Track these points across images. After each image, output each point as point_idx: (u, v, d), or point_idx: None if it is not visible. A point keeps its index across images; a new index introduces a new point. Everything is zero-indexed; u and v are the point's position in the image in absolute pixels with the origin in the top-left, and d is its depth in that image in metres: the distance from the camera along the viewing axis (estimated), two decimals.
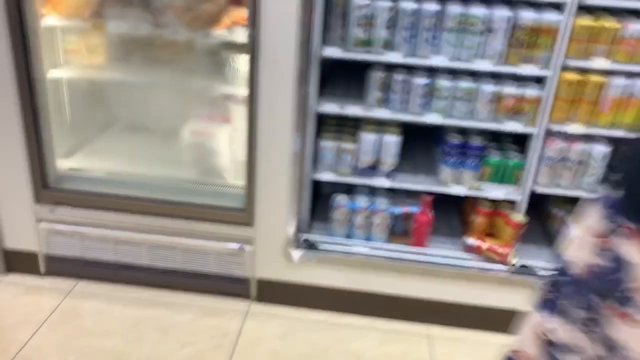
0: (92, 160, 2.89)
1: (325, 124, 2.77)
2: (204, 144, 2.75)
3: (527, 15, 2.34)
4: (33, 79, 2.56)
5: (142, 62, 2.68)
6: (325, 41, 2.48)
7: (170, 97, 2.77)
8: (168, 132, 2.83)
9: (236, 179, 2.79)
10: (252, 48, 2.36)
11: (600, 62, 2.38)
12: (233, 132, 2.79)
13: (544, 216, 2.99)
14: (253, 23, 2.32)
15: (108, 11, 2.53)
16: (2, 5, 2.36)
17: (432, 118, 2.56)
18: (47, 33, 2.65)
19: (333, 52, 2.49)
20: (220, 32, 2.46)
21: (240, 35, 2.47)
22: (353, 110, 2.60)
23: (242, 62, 2.58)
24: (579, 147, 2.54)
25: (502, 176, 2.64)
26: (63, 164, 2.84)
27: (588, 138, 2.55)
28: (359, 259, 2.69)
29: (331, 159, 2.70)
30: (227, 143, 2.78)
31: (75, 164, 2.87)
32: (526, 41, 2.38)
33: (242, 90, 2.61)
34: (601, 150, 2.53)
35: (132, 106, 2.94)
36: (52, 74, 2.71)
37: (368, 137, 2.65)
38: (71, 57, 2.80)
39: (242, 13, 2.49)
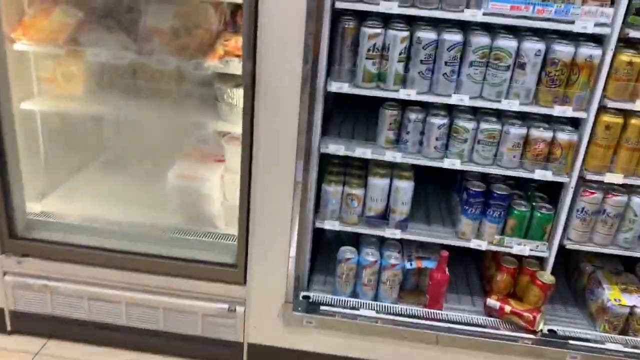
0: (66, 203, 2.57)
1: (330, 165, 2.47)
2: (191, 187, 2.43)
3: (562, 49, 2.06)
4: (2, 108, 2.26)
5: (123, 94, 2.38)
6: (331, 74, 2.19)
7: (155, 134, 2.46)
8: (151, 173, 2.52)
9: (227, 227, 2.48)
10: (249, 81, 2.07)
11: None
12: (225, 173, 2.47)
13: (571, 269, 2.67)
14: (250, 53, 2.03)
15: (85, 37, 2.24)
16: None
17: (450, 163, 2.26)
18: (18, 60, 2.35)
19: (340, 87, 2.19)
20: (212, 63, 2.16)
21: (235, 66, 2.18)
22: (361, 151, 2.29)
23: (237, 96, 2.28)
24: (616, 198, 2.25)
25: (528, 229, 2.33)
26: (34, 207, 2.53)
27: (627, 188, 2.25)
28: (365, 323, 2.34)
29: (336, 205, 2.39)
30: (218, 186, 2.47)
31: (48, 208, 2.55)
32: (559, 78, 2.10)
33: (237, 128, 2.31)
34: None
35: (112, 143, 2.63)
36: (24, 105, 2.41)
37: (378, 182, 2.35)
38: (46, 86, 2.51)
39: (237, 41, 2.20)
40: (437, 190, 2.65)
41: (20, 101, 2.39)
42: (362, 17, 2.17)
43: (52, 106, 2.49)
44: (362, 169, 2.47)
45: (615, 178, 2.20)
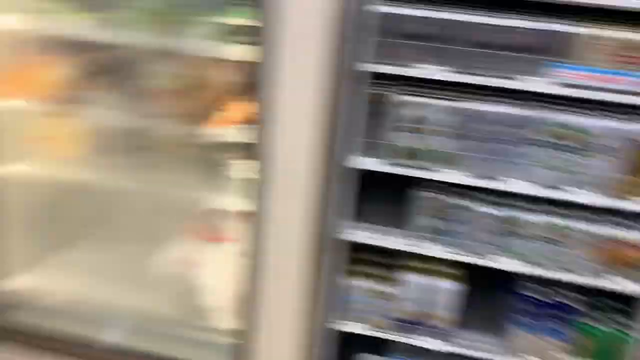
0: (48, 280, 2.23)
1: (354, 254, 2.05)
2: (186, 273, 2.05)
3: None
4: None
5: (119, 159, 2.06)
6: (357, 148, 1.81)
7: (149, 206, 2.12)
8: (142, 252, 2.16)
9: (225, 321, 2.07)
10: (258, 152, 1.70)
11: None
12: (225, 255, 2.09)
13: None
14: (261, 121, 1.67)
15: (81, 95, 1.94)
16: None
17: (503, 263, 1.81)
18: (8, 116, 2.08)
19: (365, 163, 1.81)
20: (215, 130, 1.81)
21: (242, 134, 1.83)
22: (394, 242, 1.88)
23: (242, 167, 1.92)
24: None
25: (604, 353, 1.83)
26: (12, 283, 2.19)
27: None
28: None
29: (360, 303, 1.97)
30: (216, 271, 2.08)
31: (27, 285, 2.21)
32: None
33: (240, 204, 1.94)
34: None
35: (100, 214, 2.30)
36: (9, 168, 2.12)
37: (414, 280, 1.92)
38: (36, 148, 2.21)
39: (244, 106, 1.85)
40: (487, 290, 2.17)
41: (4, 162, 2.11)
42: (396, 81, 1.80)
43: (39, 170, 2.18)
44: (393, 262, 2.05)
45: None
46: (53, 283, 2.21)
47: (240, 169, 1.90)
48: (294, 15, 1.55)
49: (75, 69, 2.05)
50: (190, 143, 1.89)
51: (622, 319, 1.84)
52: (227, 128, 1.81)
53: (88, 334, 2.05)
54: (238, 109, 1.81)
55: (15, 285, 2.19)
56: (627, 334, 1.80)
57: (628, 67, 1.58)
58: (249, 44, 1.80)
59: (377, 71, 1.70)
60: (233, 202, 1.95)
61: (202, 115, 1.85)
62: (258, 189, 1.76)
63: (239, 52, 1.77)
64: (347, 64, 1.62)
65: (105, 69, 1.98)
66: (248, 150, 1.78)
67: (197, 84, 1.87)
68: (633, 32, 1.57)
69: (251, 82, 1.93)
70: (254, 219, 1.80)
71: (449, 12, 1.67)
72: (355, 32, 1.62)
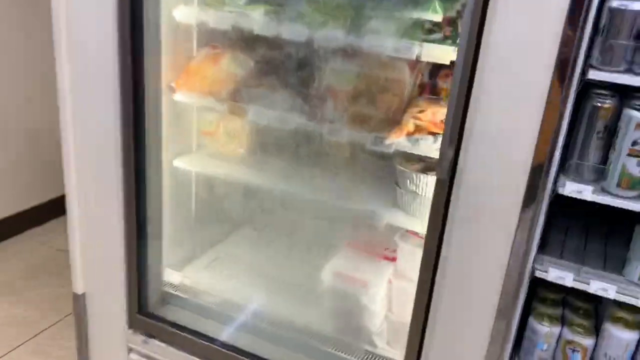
0: (204, 277, 2.18)
1: (541, 288, 1.76)
2: (349, 290, 1.88)
3: None
4: (148, 164, 1.95)
5: (286, 162, 1.95)
6: (565, 170, 1.52)
7: (316, 214, 1.98)
8: (305, 260, 2.03)
9: (389, 348, 1.88)
10: (446, 171, 1.47)
11: None
12: (394, 278, 1.89)
13: None
14: (454, 133, 1.43)
15: (251, 92, 1.84)
16: (114, 73, 1.77)
17: None
18: (178, 110, 2.05)
19: (580, 190, 1.50)
20: (398, 139, 1.61)
21: (429, 147, 1.61)
22: (600, 286, 1.55)
23: (424, 183, 1.71)
24: None
25: None
26: (170, 276, 2.17)
27: None
28: None
29: (547, 352, 1.67)
30: (383, 293, 1.89)
31: (184, 280, 2.17)
32: None
33: (418, 223, 1.74)
34: None
35: (264, 215, 2.21)
36: (177, 162, 2.09)
37: (619, 334, 1.58)
38: (206, 142, 2.18)
39: (434, 113, 1.63)
40: None
41: (175, 157, 2.08)
42: (624, 93, 1.47)
43: (207, 165, 2.14)
44: (590, 303, 1.73)
45: None
46: (209, 281, 2.15)
47: (421, 184, 1.69)
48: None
49: (251, 62, 1.96)
50: (366, 151, 1.70)
51: None
52: (411, 138, 1.59)
53: (235, 342, 1.95)
54: (427, 117, 1.59)
55: (177, 278, 2.16)
56: None
57: None
58: (446, 41, 1.58)
59: (607, 80, 1.39)
60: (409, 219, 1.75)
61: (384, 121, 1.65)
62: (441, 211, 1.52)
63: (435, 51, 1.55)
64: (576, 70, 1.33)
65: (280, 65, 1.86)
66: (434, 164, 1.56)
67: (381, 86, 1.68)
68: None
69: (443, 87, 1.71)
70: (431, 243, 1.58)
71: None
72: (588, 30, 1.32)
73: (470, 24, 1.32)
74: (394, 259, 1.92)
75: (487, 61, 1.35)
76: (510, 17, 1.31)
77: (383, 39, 1.63)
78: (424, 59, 1.56)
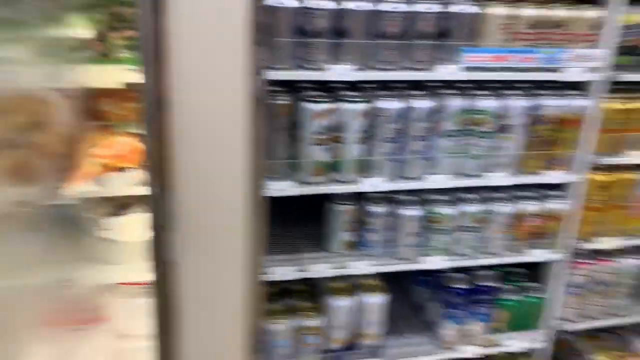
0: None
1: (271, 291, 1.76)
2: None
3: (552, 103, 1.65)
4: None
5: None
6: (272, 171, 1.52)
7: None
8: None
9: None
10: (156, 201, 1.27)
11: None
12: (107, 339, 1.61)
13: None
14: (151, 160, 1.24)
15: None
16: None
17: (432, 262, 1.72)
18: None
19: (280, 188, 1.52)
20: (79, 187, 1.32)
21: (118, 185, 1.38)
22: (318, 271, 1.64)
23: (118, 226, 1.47)
24: (611, 264, 1.92)
25: (522, 320, 1.89)
26: None
27: (620, 252, 1.94)
28: None
29: (287, 346, 1.70)
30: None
31: None
32: (552, 137, 1.69)
33: (124, 272, 1.50)
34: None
35: None
36: None
37: (340, 304, 1.71)
38: None
39: (116, 145, 1.39)
40: (403, 291, 2.06)
41: None
42: (298, 90, 1.53)
43: None
44: (306, 284, 1.81)
45: (611, 242, 1.86)
46: None
47: (114, 228, 1.44)
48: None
49: None
50: (33, 205, 1.34)
51: (531, 285, 1.91)
52: (98, 179, 1.33)
53: None
54: (109, 151, 1.34)
55: None
56: (536, 298, 1.88)
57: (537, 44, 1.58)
58: (103, 60, 1.35)
59: (278, 79, 1.41)
60: (110, 270, 1.49)
61: (53, 168, 1.32)
62: (159, 248, 1.33)
63: (91, 72, 1.30)
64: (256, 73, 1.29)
65: None
66: (131, 202, 1.34)
67: (25, 128, 1.33)
68: (538, 8, 1.56)
69: (110, 111, 1.48)
70: (157, 286, 1.38)
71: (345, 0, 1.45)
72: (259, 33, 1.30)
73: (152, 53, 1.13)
74: (99, 321, 1.62)
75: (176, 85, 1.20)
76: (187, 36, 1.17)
77: (12, 67, 1.28)
78: (79, 83, 1.30)
